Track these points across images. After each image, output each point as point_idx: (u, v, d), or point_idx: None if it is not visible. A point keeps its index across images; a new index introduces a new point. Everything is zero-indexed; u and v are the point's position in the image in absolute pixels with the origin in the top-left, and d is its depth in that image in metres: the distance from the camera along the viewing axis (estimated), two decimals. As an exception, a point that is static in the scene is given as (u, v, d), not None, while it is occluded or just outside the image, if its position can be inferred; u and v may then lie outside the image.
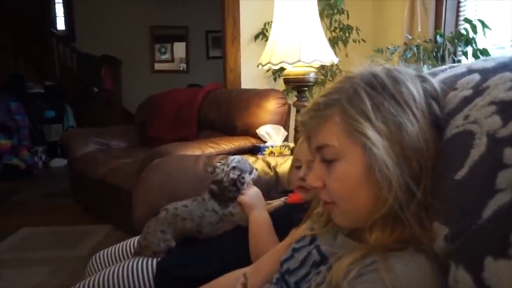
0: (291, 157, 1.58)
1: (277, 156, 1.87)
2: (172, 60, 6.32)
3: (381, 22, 2.42)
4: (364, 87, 0.51)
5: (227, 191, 0.97)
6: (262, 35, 2.58)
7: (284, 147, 1.92)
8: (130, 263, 0.92)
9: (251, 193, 0.99)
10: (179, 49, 6.30)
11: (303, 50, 1.61)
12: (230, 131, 2.24)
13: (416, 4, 1.84)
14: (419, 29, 1.83)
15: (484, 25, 1.54)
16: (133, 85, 5.60)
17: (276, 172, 1.37)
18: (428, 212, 0.50)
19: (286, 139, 2.12)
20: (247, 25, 2.65)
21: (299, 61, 1.61)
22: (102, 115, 5.05)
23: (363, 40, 2.27)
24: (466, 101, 0.50)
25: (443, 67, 0.68)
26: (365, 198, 0.52)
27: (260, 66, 1.76)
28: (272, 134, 2.09)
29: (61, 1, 5.98)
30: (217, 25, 5.46)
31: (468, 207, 0.42)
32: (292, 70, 1.72)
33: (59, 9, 5.98)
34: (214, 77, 5.07)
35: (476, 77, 0.53)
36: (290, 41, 1.63)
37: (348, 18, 2.31)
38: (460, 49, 1.60)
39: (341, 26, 2.29)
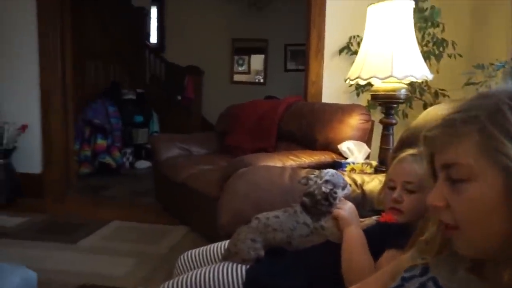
0: (377, 176, 1.52)
1: (359, 173, 1.81)
2: (248, 72, 6.51)
3: (480, 36, 2.24)
4: (510, 104, 0.47)
5: (319, 204, 0.96)
6: (347, 49, 2.54)
7: (366, 165, 1.85)
8: (220, 267, 0.94)
9: (348, 208, 0.97)
10: (256, 61, 6.47)
11: (395, 65, 1.54)
12: (310, 144, 2.22)
13: (527, 17, 1.67)
14: (530, 44, 1.65)
15: None
16: (213, 94, 5.87)
17: (363, 190, 1.32)
18: None
19: (368, 157, 2.04)
20: (332, 38, 2.64)
21: (390, 76, 1.55)
22: (182, 122, 5.37)
23: (460, 55, 2.12)
24: None
25: None
26: (500, 226, 0.46)
27: (348, 81, 1.73)
28: (354, 151, 2.03)
29: (155, 16, 6.54)
30: (296, 38, 5.55)
31: None
32: (381, 86, 1.66)
33: (153, 23, 6.55)
34: (291, 89, 5.12)
35: None
36: (382, 55, 1.58)
37: (443, 31, 2.18)
38: None
39: (434, 39, 2.16)
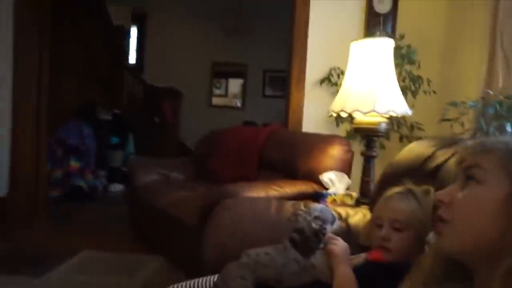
0: (361, 209, 1.54)
1: (341, 205, 1.82)
2: (226, 95, 6.56)
3: (452, 75, 2.37)
4: None
5: (309, 241, 0.95)
6: (328, 80, 2.62)
7: (347, 196, 1.88)
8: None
9: (341, 246, 0.97)
10: (234, 85, 6.55)
11: (377, 100, 1.60)
12: (291, 173, 2.23)
13: (497, 58, 1.79)
14: (500, 85, 1.76)
15: None
16: (191, 117, 5.85)
17: (347, 224, 1.33)
18: None
19: (348, 188, 2.07)
20: (313, 69, 2.72)
21: (373, 110, 1.60)
22: (159, 144, 5.29)
23: (434, 92, 2.22)
24: None
25: None
26: (489, 229, 0.52)
27: (331, 113, 1.77)
28: (335, 182, 2.05)
29: (135, 37, 6.52)
30: (275, 64, 5.68)
31: None
32: (363, 119, 1.70)
33: (133, 44, 6.52)
34: (269, 115, 5.19)
35: None
36: (364, 90, 1.63)
37: (419, 68, 2.29)
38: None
39: (411, 76, 2.26)
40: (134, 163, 3.19)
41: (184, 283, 1.10)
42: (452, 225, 0.56)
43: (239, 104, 6.50)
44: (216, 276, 1.04)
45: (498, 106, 1.60)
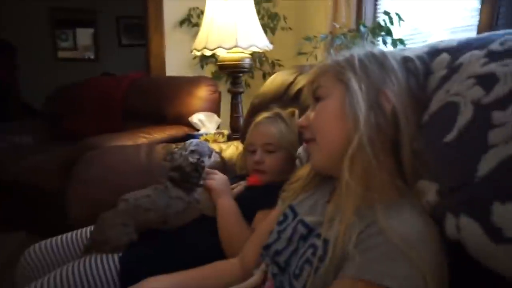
0: (233, 143, 1.58)
1: (212, 143, 1.84)
2: (75, 48, 5.77)
3: (305, 12, 2.51)
4: (359, 55, 0.62)
5: (189, 177, 0.92)
6: (188, 21, 2.50)
7: (218, 135, 1.90)
8: (87, 262, 0.82)
9: (220, 179, 0.97)
10: (83, 35, 5.78)
11: (240, 36, 1.60)
12: (160, 120, 2.14)
13: (339, -4, 1.96)
14: (343, 20, 1.95)
15: (400, 17, 1.71)
16: (33, 74, 4.99)
17: (222, 158, 1.35)
18: (403, 172, 0.56)
19: (218, 127, 2.10)
20: (171, 10, 2.55)
21: (236, 46, 1.60)
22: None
23: (290, 28, 2.34)
24: (445, 79, 0.56)
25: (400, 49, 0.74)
26: (338, 133, 0.59)
27: (194, 52, 1.71)
28: (205, 122, 2.06)
29: None
30: (128, 10, 5.15)
31: (462, 163, 0.47)
32: (227, 56, 1.70)
33: None
34: (128, 65, 4.77)
35: (446, 56, 0.59)
36: (226, 26, 1.61)
37: (275, 6, 2.36)
38: (380, 38, 1.75)
39: (268, 13, 2.32)
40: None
41: (49, 241, 0.96)
42: (316, 143, 0.63)
43: (92, 56, 5.79)
44: (90, 227, 0.95)
45: (343, 38, 1.78)
